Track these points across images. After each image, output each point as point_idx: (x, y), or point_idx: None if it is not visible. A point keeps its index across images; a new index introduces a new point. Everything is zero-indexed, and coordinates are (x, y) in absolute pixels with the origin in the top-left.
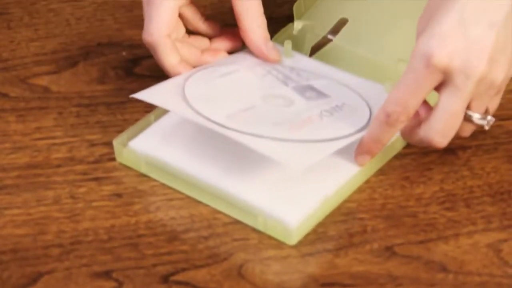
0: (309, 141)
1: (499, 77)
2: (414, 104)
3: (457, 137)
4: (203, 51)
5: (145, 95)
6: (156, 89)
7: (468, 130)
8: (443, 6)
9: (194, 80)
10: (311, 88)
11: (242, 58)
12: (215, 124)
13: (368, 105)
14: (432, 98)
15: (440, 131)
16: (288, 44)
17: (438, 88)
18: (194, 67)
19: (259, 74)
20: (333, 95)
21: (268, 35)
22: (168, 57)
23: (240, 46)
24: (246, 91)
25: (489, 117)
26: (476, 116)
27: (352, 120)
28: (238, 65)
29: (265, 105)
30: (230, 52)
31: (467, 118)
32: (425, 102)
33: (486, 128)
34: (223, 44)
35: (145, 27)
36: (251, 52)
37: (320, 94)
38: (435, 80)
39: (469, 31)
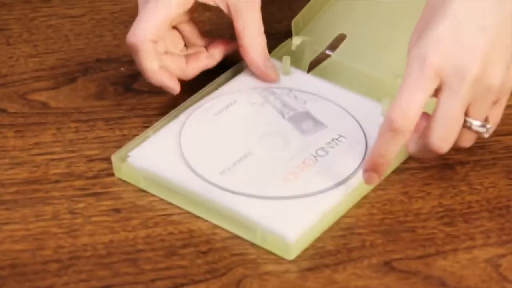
0: (302, 196)
1: (495, 80)
2: (415, 109)
3: (457, 148)
4: (186, 57)
5: (141, 159)
6: (153, 145)
7: (468, 140)
8: (435, 16)
9: (190, 124)
10: (308, 116)
11: (239, 83)
12: (210, 184)
13: (363, 130)
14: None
15: (440, 135)
16: (286, 59)
17: (436, 94)
18: (181, 76)
19: (257, 104)
20: (329, 124)
21: (267, 54)
22: (151, 62)
23: (234, 49)
24: (242, 132)
25: (488, 125)
26: (475, 124)
27: (346, 160)
28: (235, 94)
29: (261, 150)
30: (230, 64)
31: (467, 126)
32: (425, 114)
33: (486, 136)
34: (217, 50)
35: (131, 27)
36: (248, 74)
37: (317, 123)
38: (432, 82)
39: (461, 35)
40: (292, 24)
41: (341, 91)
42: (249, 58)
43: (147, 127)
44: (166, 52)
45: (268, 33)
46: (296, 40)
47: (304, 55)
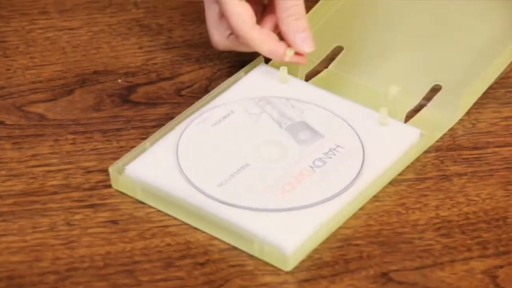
0: (299, 208)
1: None
2: None
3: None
4: None
5: (139, 170)
6: (150, 157)
7: None
8: None
9: (188, 135)
10: (305, 126)
11: (236, 93)
12: (207, 196)
13: (360, 140)
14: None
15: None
16: (283, 69)
17: None
18: None
19: (254, 114)
20: (327, 134)
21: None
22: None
23: None
24: (239, 143)
25: None
26: None
27: (343, 171)
28: (232, 105)
29: (258, 161)
30: None
31: None
32: None
33: None
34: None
35: (216, 28)
36: (245, 84)
37: (314, 134)
38: None
39: None
40: None
41: (338, 100)
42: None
43: (145, 138)
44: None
45: None
46: (289, 52)
47: (300, 67)
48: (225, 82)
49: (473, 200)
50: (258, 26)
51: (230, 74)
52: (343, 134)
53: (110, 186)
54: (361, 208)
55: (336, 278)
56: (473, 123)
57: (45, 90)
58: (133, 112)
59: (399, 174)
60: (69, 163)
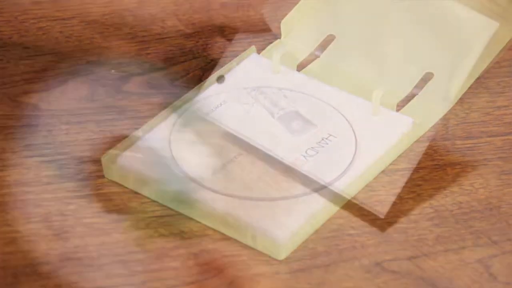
0: (292, 197)
1: None
2: None
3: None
4: None
5: (132, 160)
6: (143, 147)
7: None
8: None
9: (180, 125)
10: (298, 115)
11: (229, 83)
12: (200, 186)
13: (353, 129)
14: None
15: None
16: (276, 59)
17: None
18: None
19: (246, 103)
20: (319, 123)
21: None
22: None
23: None
24: (232, 132)
25: None
26: None
27: (336, 160)
28: (225, 95)
29: (251, 151)
30: None
31: None
32: None
33: None
34: None
35: None
36: (237, 73)
37: (307, 123)
38: None
39: None
40: (281, 25)
41: (330, 89)
42: None
43: (138, 128)
44: None
45: (259, 34)
46: (285, 41)
47: (292, 56)
48: (217, 72)
49: (467, 190)
50: None
51: (223, 64)
52: (335, 124)
53: (103, 176)
54: (354, 198)
55: (330, 267)
56: (467, 113)
57: (38, 80)
58: (127, 102)
59: (393, 164)
60: (63, 153)
